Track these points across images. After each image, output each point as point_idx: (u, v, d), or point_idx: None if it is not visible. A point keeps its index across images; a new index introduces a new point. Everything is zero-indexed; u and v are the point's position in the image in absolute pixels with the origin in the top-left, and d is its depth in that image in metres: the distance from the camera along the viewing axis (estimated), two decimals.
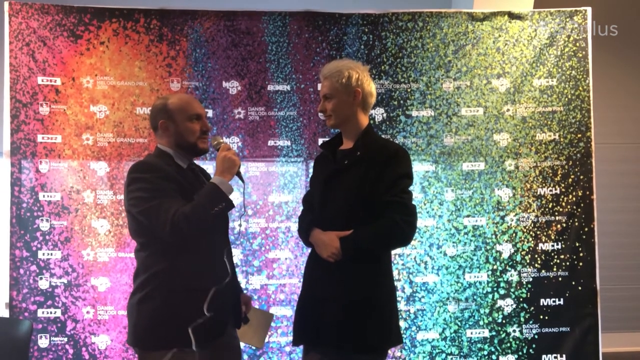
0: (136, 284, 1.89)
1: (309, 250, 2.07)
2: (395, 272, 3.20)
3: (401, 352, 3.22)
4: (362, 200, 1.91)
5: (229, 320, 2.00)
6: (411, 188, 1.98)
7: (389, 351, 3.14)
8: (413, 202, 1.96)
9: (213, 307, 1.86)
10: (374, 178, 1.91)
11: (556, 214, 3.27)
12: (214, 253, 1.93)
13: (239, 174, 1.95)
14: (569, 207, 3.27)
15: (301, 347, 2.08)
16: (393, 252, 3.15)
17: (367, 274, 1.92)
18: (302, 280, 2.10)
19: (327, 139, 2.16)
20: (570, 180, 3.28)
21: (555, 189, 3.28)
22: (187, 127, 1.93)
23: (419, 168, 3.25)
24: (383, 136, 3.20)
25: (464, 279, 3.23)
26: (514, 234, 3.26)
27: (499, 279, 3.24)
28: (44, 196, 3.10)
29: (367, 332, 1.89)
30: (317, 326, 1.93)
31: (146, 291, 1.84)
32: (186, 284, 1.83)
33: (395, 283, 3.17)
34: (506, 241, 3.26)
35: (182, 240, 1.82)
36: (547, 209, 3.27)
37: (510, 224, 3.26)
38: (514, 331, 3.23)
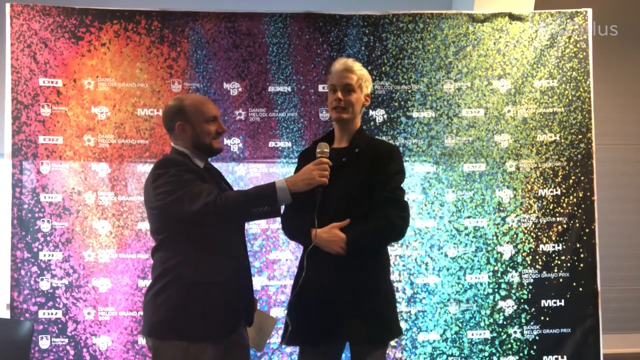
0: (152, 278, 1.92)
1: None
2: (396, 273, 3.20)
3: (402, 353, 3.21)
4: (361, 197, 1.99)
5: (241, 317, 2.01)
6: (408, 187, 2.05)
7: (390, 352, 3.16)
8: (406, 199, 2.05)
9: (227, 303, 1.88)
10: (371, 176, 1.98)
11: (557, 215, 3.27)
12: (230, 250, 1.95)
13: (317, 193, 1.93)
14: (569, 208, 3.27)
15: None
16: (394, 253, 3.19)
17: (371, 268, 1.98)
18: (295, 281, 2.08)
19: (320, 137, 2.20)
20: (571, 181, 3.28)
21: (556, 190, 3.27)
22: (203, 129, 1.97)
23: (420, 169, 3.25)
24: (384, 137, 3.22)
25: (465, 280, 3.23)
26: (514, 235, 3.26)
27: (500, 280, 3.24)
28: (45, 197, 3.10)
29: (373, 325, 1.93)
30: (324, 323, 1.95)
31: (162, 284, 1.87)
32: (201, 278, 1.86)
33: (396, 284, 3.19)
34: (507, 242, 3.25)
35: (206, 223, 1.83)
36: (548, 210, 3.27)
37: (511, 225, 3.26)
38: (515, 332, 3.23)
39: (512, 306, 3.23)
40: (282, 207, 2.01)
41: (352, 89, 2.04)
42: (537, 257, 3.25)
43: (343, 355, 2.10)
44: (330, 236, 1.94)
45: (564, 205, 3.27)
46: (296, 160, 3.20)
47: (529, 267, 3.24)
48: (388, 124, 3.27)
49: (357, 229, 1.94)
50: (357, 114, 2.10)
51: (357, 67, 2.09)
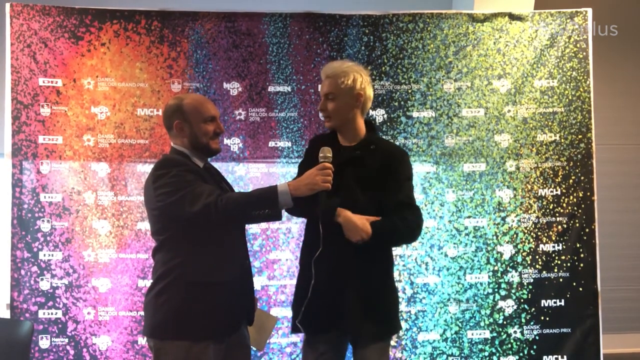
0: (153, 279, 1.92)
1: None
2: (396, 273, 3.20)
3: (402, 353, 3.22)
4: (373, 195, 1.99)
5: (242, 317, 2.02)
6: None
7: (390, 352, 3.16)
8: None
9: (228, 302, 1.89)
10: (384, 177, 2.00)
11: (557, 215, 3.27)
12: (231, 250, 1.96)
13: (321, 198, 1.88)
14: (569, 208, 3.27)
15: (301, 347, 2.09)
16: (394, 252, 3.18)
17: (381, 263, 2.02)
18: (302, 268, 2.09)
19: (323, 135, 2.20)
20: (571, 181, 3.28)
21: (556, 190, 3.27)
22: (201, 129, 1.97)
23: (420, 169, 3.25)
24: (384, 137, 3.22)
25: (465, 280, 3.23)
26: (514, 235, 3.26)
27: (500, 280, 3.24)
28: (45, 197, 3.10)
29: (377, 321, 1.97)
30: (331, 314, 1.96)
31: (163, 285, 1.87)
32: (202, 278, 1.86)
33: (396, 284, 3.19)
34: (507, 242, 3.25)
35: (207, 223, 1.83)
36: (548, 210, 3.27)
37: (511, 225, 3.26)
38: (515, 332, 3.23)
39: (512, 306, 3.23)
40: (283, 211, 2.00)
41: (332, 97, 2.02)
42: (537, 257, 3.25)
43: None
44: (362, 224, 1.91)
45: (564, 205, 3.27)
46: (296, 160, 3.23)
47: (529, 267, 3.24)
48: (388, 124, 3.27)
49: (380, 224, 1.93)
50: (347, 117, 2.04)
51: (337, 69, 2.01)
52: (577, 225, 3.26)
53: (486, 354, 3.22)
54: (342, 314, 1.96)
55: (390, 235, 1.98)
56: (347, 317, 1.95)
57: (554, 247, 3.26)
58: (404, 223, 1.97)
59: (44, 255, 3.08)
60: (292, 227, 3.21)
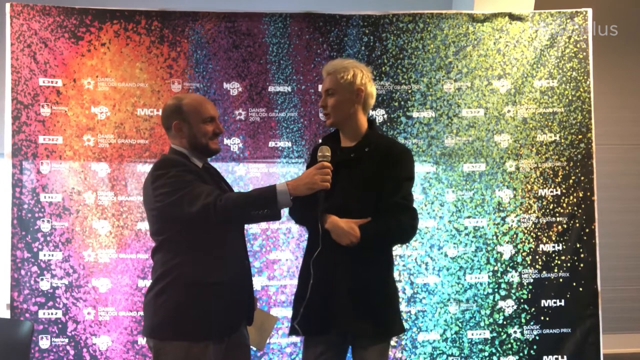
0: (153, 279, 1.92)
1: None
2: (396, 273, 3.20)
3: (402, 353, 3.21)
4: (370, 196, 1.98)
5: (242, 317, 2.01)
6: (412, 189, 2.07)
7: (390, 352, 3.16)
8: (414, 205, 2.06)
9: (228, 302, 1.89)
10: (382, 177, 1.97)
11: (557, 215, 3.27)
12: (230, 250, 1.95)
13: (320, 198, 1.88)
14: (569, 208, 3.27)
15: (301, 347, 2.09)
16: (394, 253, 3.18)
17: (379, 263, 2.01)
18: (302, 268, 2.09)
19: (326, 136, 2.19)
20: (571, 181, 3.28)
21: (556, 190, 3.28)
22: (200, 129, 1.96)
23: (420, 169, 3.25)
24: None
25: (465, 280, 3.23)
26: (514, 235, 3.26)
27: (500, 280, 3.24)
28: (45, 197, 3.10)
29: (376, 322, 1.96)
30: (330, 314, 1.96)
31: (162, 285, 1.87)
32: (202, 278, 1.86)
33: (396, 284, 3.19)
34: (507, 242, 3.25)
35: (206, 223, 1.82)
36: (547, 210, 3.27)
37: (511, 225, 3.26)
38: (515, 332, 3.23)
39: (512, 306, 3.23)
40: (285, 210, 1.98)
41: (332, 93, 2.02)
42: (537, 257, 3.25)
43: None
44: (348, 228, 1.92)
45: (564, 205, 3.27)
46: (296, 160, 3.22)
47: (529, 267, 3.24)
48: (388, 124, 3.27)
49: (369, 226, 1.94)
50: (347, 112, 2.03)
51: (337, 66, 2.02)
52: (577, 225, 3.26)
53: (486, 354, 3.22)
54: (340, 314, 1.96)
55: (381, 237, 1.97)
56: (344, 317, 1.95)
57: (554, 247, 3.26)
58: (397, 225, 1.97)
59: (44, 255, 3.09)
60: (292, 227, 3.21)
